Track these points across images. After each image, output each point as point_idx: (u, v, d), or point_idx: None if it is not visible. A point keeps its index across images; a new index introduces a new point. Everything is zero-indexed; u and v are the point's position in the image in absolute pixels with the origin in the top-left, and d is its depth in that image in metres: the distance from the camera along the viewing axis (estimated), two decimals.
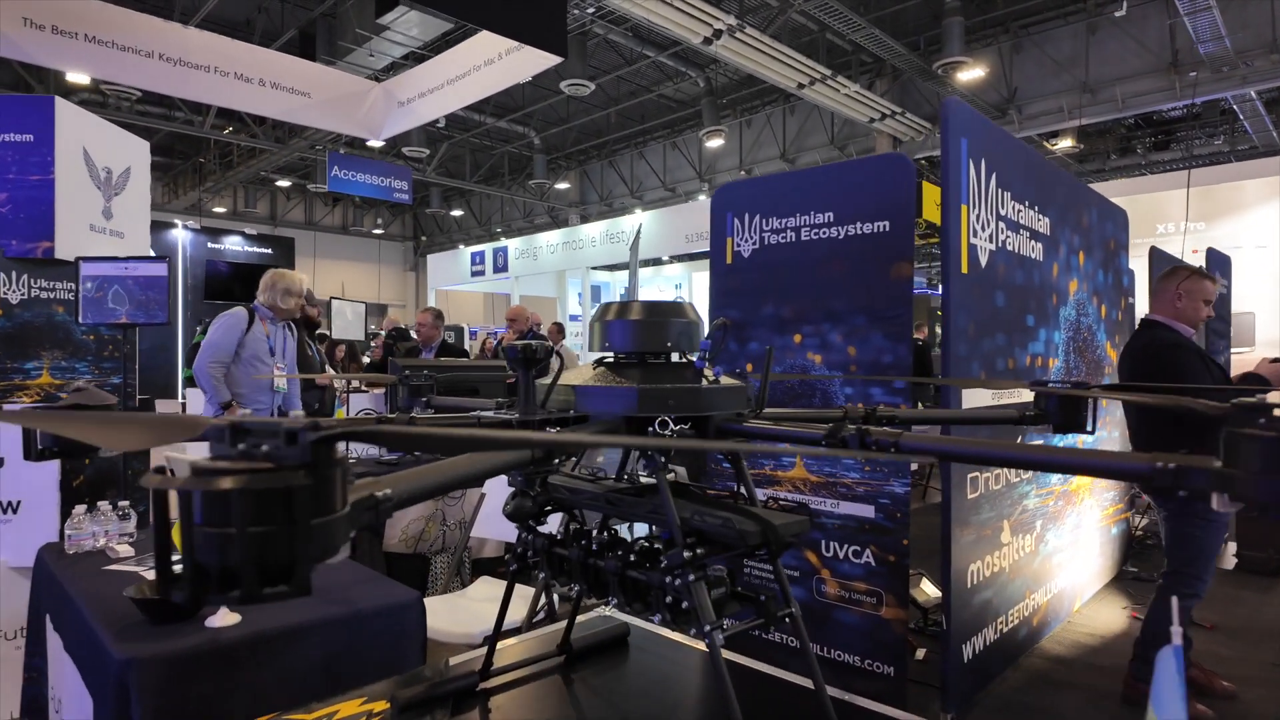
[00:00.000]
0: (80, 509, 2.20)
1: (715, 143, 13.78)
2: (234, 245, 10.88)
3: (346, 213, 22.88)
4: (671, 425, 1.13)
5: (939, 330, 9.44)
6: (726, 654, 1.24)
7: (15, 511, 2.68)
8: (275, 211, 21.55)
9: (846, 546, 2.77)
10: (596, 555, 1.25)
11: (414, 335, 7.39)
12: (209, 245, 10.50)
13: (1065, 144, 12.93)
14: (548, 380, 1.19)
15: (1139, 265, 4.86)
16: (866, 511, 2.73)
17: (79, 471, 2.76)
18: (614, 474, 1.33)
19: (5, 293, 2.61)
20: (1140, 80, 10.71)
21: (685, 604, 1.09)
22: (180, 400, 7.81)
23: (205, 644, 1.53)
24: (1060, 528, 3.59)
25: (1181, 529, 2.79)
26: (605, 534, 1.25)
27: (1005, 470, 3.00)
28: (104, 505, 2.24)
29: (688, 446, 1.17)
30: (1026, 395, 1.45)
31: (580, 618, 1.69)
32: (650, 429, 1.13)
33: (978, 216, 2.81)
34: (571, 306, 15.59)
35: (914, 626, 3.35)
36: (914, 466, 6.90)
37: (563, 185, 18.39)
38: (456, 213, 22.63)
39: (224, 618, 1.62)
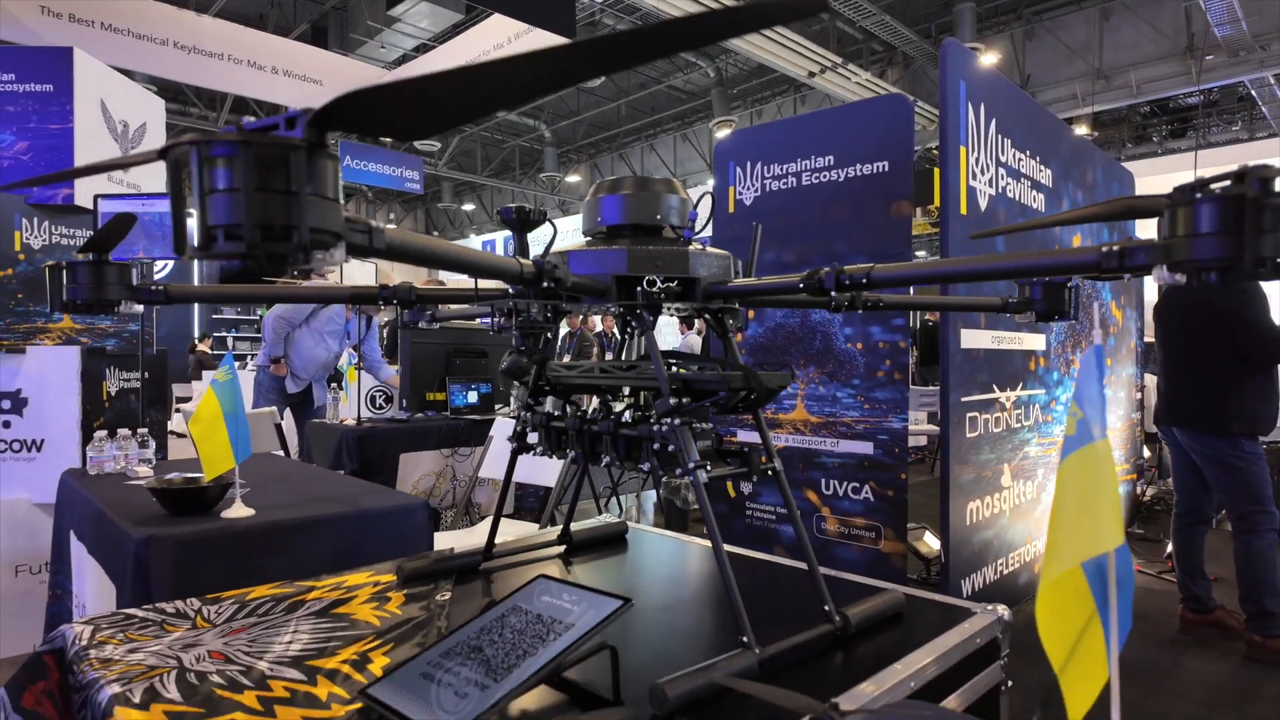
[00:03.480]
0: (101, 433, 2.28)
1: (725, 133, 13.79)
2: None
3: (360, 208, 23.08)
4: (659, 284, 1.19)
5: None
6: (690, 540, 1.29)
7: (39, 450, 2.78)
8: None
9: (846, 484, 2.81)
10: (590, 422, 1.31)
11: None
12: None
13: (1080, 131, 12.87)
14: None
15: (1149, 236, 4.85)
16: (865, 449, 2.77)
17: (99, 413, 2.85)
18: None
19: (28, 238, 2.71)
20: (1155, 65, 10.64)
21: (671, 447, 1.15)
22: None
23: (220, 530, 1.60)
24: None
25: (1228, 473, 2.80)
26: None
27: (1004, 413, 3.03)
28: (124, 432, 2.32)
29: (675, 305, 1.23)
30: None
31: (576, 525, 1.74)
32: (639, 289, 1.19)
33: (976, 160, 2.84)
34: None
35: (916, 578, 3.38)
36: (923, 441, 6.92)
37: (573, 178, 18.48)
38: (468, 206, 22.79)
39: (237, 510, 1.69)
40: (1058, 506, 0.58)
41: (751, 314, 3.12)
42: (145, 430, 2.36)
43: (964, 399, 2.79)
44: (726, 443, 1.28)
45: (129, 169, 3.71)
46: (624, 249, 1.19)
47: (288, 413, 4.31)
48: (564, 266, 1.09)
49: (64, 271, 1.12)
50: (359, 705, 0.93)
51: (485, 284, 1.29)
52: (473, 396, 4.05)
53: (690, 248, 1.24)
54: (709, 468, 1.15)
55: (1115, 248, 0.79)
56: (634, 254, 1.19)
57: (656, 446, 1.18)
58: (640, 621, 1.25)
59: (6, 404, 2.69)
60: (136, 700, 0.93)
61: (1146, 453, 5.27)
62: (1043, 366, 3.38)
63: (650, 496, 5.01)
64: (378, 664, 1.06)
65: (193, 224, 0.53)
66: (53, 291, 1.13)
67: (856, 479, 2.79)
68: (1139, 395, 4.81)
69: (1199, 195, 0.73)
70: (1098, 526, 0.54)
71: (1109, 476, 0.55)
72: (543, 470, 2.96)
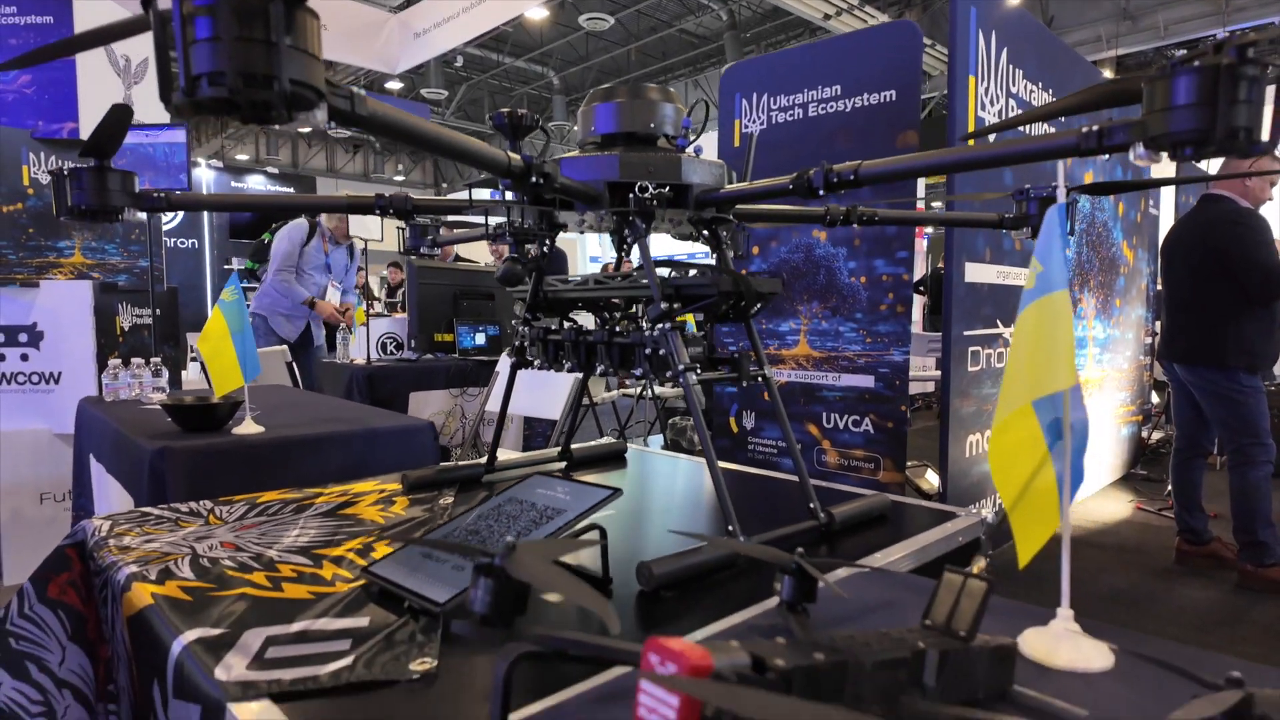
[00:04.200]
0: (115, 361, 2.34)
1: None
2: (257, 184, 11.02)
3: (367, 159, 22.91)
4: (651, 190, 1.20)
5: None
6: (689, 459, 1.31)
7: (57, 382, 2.85)
8: (297, 159, 21.65)
9: (847, 417, 2.85)
10: (586, 333, 1.34)
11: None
12: (232, 185, 10.64)
13: (1105, 75, 12.50)
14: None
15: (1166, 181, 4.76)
16: (866, 382, 2.79)
17: (113, 348, 2.91)
18: None
19: (35, 173, 2.73)
20: (1183, 6, 10.25)
21: (663, 351, 1.17)
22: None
23: (231, 444, 1.66)
24: None
25: (1225, 406, 2.81)
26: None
27: (1007, 348, 3.03)
28: (137, 361, 2.38)
29: (665, 211, 1.24)
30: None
31: (577, 444, 1.78)
32: (631, 195, 1.20)
33: (986, 90, 2.79)
34: (591, 248, 15.58)
35: None
36: (929, 388, 6.92)
37: None
38: None
39: (248, 427, 1.74)
40: (1014, 354, 0.60)
41: (756, 249, 3.12)
42: (158, 360, 2.41)
43: (966, 333, 2.79)
44: (720, 353, 1.31)
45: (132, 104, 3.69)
46: (616, 155, 1.20)
47: None
48: (555, 168, 1.10)
49: (67, 179, 1.15)
50: (362, 581, 0.98)
51: (480, 195, 1.31)
52: (480, 338, 4.09)
53: (684, 155, 1.25)
54: (699, 371, 1.17)
55: (1094, 128, 0.80)
56: (626, 160, 1.20)
57: (648, 352, 1.21)
58: (634, 521, 1.30)
59: (23, 337, 2.75)
60: (152, 578, 0.99)
61: (1156, 399, 5.27)
62: None
63: (657, 440, 5.08)
64: (380, 553, 1.11)
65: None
66: (58, 199, 1.16)
67: (857, 412, 2.82)
68: (1149, 340, 4.78)
69: (1176, 68, 0.74)
70: (1051, 368, 0.57)
71: (1064, 324, 0.57)
72: (550, 404, 3.01)
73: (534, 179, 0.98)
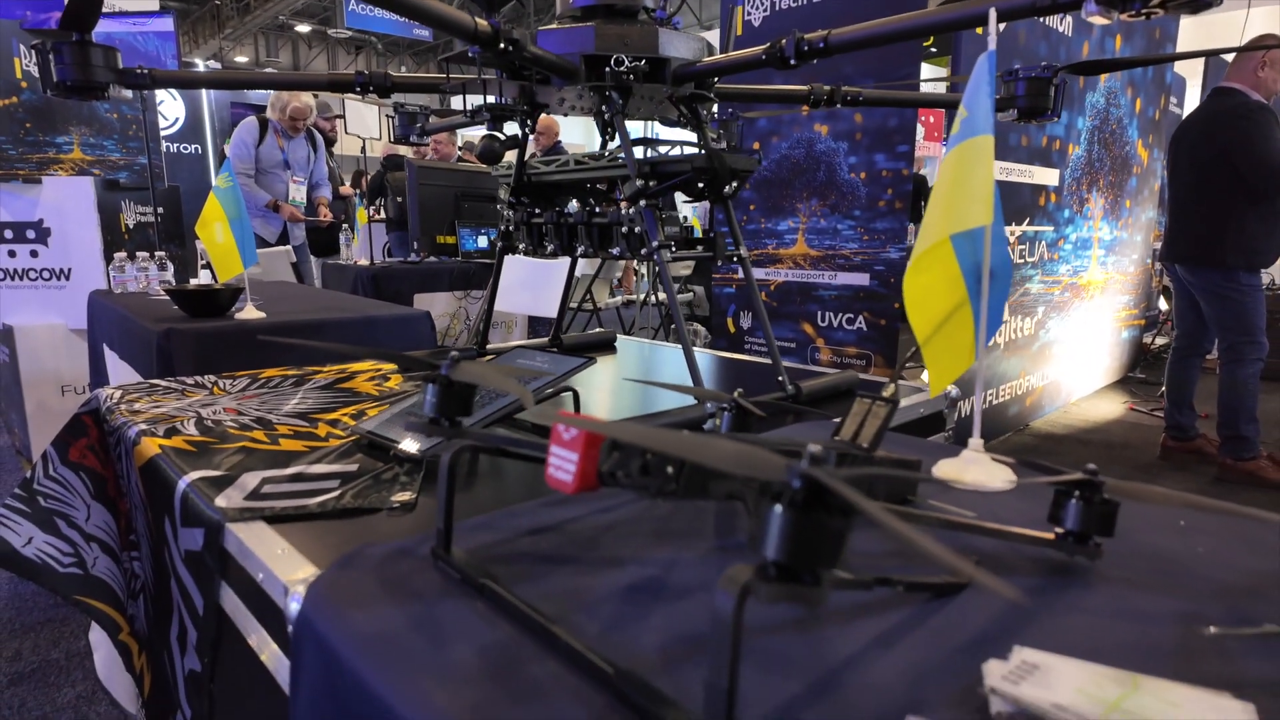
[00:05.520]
0: (121, 254, 2.39)
1: None
2: (256, 89, 10.74)
3: (370, 61, 22.17)
4: (628, 63, 1.19)
5: None
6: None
7: (67, 278, 2.92)
8: (298, 63, 20.99)
9: (841, 315, 2.88)
10: (567, 215, 1.37)
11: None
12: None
13: None
14: None
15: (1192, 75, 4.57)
16: (862, 280, 2.81)
17: (119, 245, 2.95)
18: None
19: (28, 65, 2.71)
20: None
21: (638, 229, 1.21)
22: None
23: (234, 328, 1.72)
24: (1065, 319, 3.63)
25: (1223, 303, 2.82)
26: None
27: (1008, 249, 3.03)
28: (143, 254, 2.43)
29: (642, 86, 1.24)
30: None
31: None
32: (607, 69, 1.20)
33: None
34: (596, 144, 15.26)
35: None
36: None
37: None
38: None
39: (250, 312, 1.80)
40: (936, 192, 0.64)
41: (758, 145, 3.07)
42: (164, 254, 2.46)
43: None
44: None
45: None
46: (592, 26, 1.19)
47: None
48: (525, 35, 1.10)
49: (50, 54, 1.16)
50: (353, 437, 1.06)
51: (456, 74, 1.31)
52: (483, 241, 4.09)
53: (661, 27, 1.24)
54: (674, 248, 1.21)
55: None
56: (602, 32, 1.19)
57: (625, 230, 1.24)
58: (612, 391, 1.37)
59: (31, 233, 2.80)
60: (160, 434, 1.07)
61: (1164, 305, 5.24)
62: (1053, 203, 3.32)
63: None
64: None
65: None
66: (43, 75, 1.18)
67: (851, 310, 2.85)
68: (1159, 245, 4.72)
69: None
70: (969, 205, 0.60)
71: (985, 166, 0.60)
72: (550, 303, 3.07)
73: (502, 45, 0.99)
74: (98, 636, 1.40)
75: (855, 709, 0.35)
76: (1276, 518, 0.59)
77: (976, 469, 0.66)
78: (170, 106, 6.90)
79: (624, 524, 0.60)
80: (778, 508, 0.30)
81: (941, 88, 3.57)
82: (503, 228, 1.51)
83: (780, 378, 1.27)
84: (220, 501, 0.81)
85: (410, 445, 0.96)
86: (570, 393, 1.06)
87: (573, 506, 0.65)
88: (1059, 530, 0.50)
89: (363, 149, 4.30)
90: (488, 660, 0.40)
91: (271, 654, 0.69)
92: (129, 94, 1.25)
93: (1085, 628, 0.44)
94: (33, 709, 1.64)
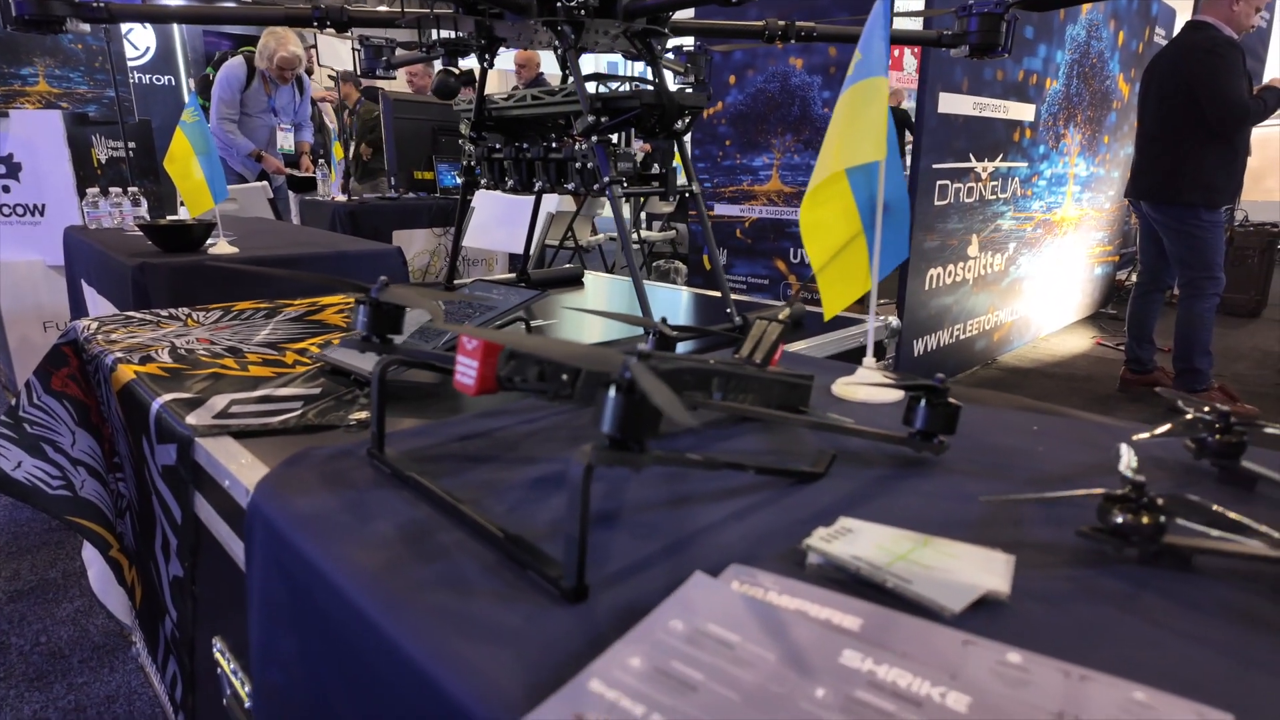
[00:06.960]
0: (94, 190, 2.40)
1: None
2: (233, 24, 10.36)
3: None
4: None
5: None
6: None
7: (42, 214, 2.92)
8: None
9: None
10: (525, 151, 1.40)
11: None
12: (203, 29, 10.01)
13: None
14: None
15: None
16: None
17: (92, 180, 2.94)
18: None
19: None
20: None
21: (591, 164, 1.25)
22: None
23: (207, 261, 1.77)
24: (1036, 255, 3.70)
25: (1183, 239, 2.89)
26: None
27: (979, 184, 3.06)
28: (116, 190, 2.44)
29: (594, 21, 1.26)
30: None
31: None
32: (559, 3, 1.22)
33: None
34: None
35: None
36: None
37: None
38: None
39: (222, 247, 1.84)
40: (831, 130, 0.69)
41: (733, 79, 3.06)
42: (136, 190, 2.47)
43: (935, 165, 2.81)
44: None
45: None
46: None
47: None
48: None
49: None
50: (319, 364, 1.12)
51: (412, 8, 1.32)
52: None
53: None
54: (625, 184, 1.25)
55: None
56: None
57: (579, 165, 1.28)
58: (564, 325, 1.44)
59: (1, 168, 2.79)
60: (135, 361, 1.13)
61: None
62: (1028, 138, 3.34)
63: None
64: None
65: None
66: (3, 11, 1.19)
67: None
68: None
69: None
70: (862, 142, 0.65)
71: (879, 105, 0.65)
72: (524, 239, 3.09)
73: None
74: (90, 554, 1.49)
75: (695, 560, 0.43)
76: (1114, 422, 0.67)
77: (868, 388, 0.73)
78: (140, 35, 6.68)
79: (544, 431, 0.67)
80: (612, 391, 0.37)
81: (917, 23, 3.52)
82: (464, 163, 1.54)
83: (728, 309, 1.33)
84: (191, 419, 0.88)
85: (367, 365, 1.02)
86: (521, 323, 1.12)
87: (503, 418, 0.72)
88: (910, 431, 0.58)
89: (335, 82, 4.23)
90: (404, 532, 0.48)
91: (240, 551, 0.77)
92: (87, 28, 1.26)
93: (913, 506, 0.52)
94: (32, 622, 1.75)
